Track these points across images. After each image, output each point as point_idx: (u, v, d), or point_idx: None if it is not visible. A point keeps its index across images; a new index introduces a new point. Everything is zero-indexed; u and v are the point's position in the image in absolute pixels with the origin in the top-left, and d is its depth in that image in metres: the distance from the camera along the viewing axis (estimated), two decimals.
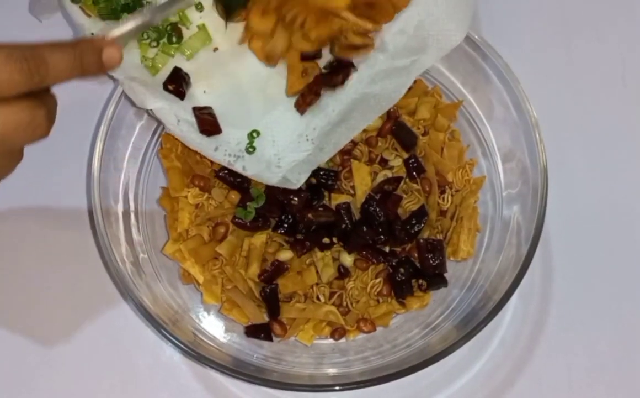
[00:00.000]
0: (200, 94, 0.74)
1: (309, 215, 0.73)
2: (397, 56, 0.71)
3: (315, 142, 0.72)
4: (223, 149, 0.73)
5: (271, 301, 0.73)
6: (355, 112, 0.72)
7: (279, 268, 0.73)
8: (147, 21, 0.64)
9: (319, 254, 0.74)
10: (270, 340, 0.73)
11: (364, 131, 0.76)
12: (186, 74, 0.74)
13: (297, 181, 0.72)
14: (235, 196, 0.75)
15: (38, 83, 0.51)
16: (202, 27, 0.75)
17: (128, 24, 0.62)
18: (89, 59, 0.55)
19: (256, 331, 0.73)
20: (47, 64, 0.51)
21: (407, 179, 0.76)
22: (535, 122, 0.73)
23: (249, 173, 0.73)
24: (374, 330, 0.75)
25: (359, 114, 0.72)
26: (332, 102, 0.72)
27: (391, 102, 0.72)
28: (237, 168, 0.73)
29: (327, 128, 0.72)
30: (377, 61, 0.71)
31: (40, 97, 0.52)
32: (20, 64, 0.49)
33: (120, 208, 0.74)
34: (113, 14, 0.74)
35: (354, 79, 0.71)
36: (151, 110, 0.73)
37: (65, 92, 0.80)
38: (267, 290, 0.73)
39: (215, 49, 0.75)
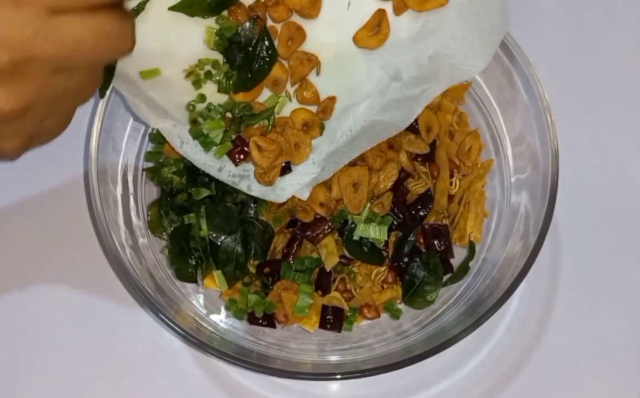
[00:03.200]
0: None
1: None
2: (409, 85, 0.68)
3: (320, 165, 0.70)
4: (227, 170, 0.71)
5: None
6: (362, 137, 0.69)
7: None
8: None
9: (323, 241, 0.72)
10: (273, 326, 0.72)
11: None
12: None
13: (301, 195, 0.71)
14: None
15: None
16: None
17: None
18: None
19: (258, 318, 0.72)
20: None
21: (416, 162, 0.74)
22: (547, 105, 0.70)
23: (254, 192, 0.71)
24: (378, 316, 0.74)
25: (365, 138, 0.69)
26: (341, 129, 0.70)
27: (398, 130, 0.69)
28: (242, 187, 0.71)
29: (332, 151, 0.70)
30: (389, 90, 0.68)
31: (125, 9, 0.49)
32: None
33: (119, 191, 0.72)
34: None
35: (365, 107, 0.69)
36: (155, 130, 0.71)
37: None
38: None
39: None
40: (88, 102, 0.76)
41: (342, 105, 0.69)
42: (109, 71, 0.66)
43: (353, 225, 0.71)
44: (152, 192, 0.75)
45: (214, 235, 0.71)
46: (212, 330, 0.70)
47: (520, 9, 0.83)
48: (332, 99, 0.69)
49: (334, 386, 0.74)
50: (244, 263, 0.71)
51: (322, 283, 0.73)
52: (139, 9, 0.67)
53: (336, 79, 0.69)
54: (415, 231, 0.72)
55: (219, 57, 0.70)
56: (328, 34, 0.69)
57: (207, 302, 0.73)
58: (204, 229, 0.71)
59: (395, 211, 0.72)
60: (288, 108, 0.71)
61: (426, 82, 0.68)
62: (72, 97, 0.49)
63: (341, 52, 0.69)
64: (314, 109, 0.71)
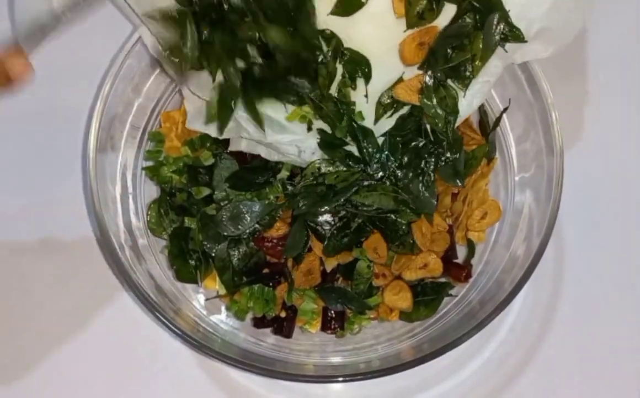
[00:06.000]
0: None
1: None
2: None
3: None
4: None
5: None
6: None
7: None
8: (55, 21, 0.60)
9: None
10: (280, 333, 0.71)
11: None
12: None
13: None
14: None
15: None
16: None
17: (34, 28, 0.58)
18: None
19: (265, 324, 0.72)
20: None
21: None
22: (552, 103, 0.69)
23: None
24: (379, 316, 0.73)
25: None
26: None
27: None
28: None
29: None
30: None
31: None
32: None
33: (118, 191, 0.71)
34: None
35: None
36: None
37: (61, 67, 0.79)
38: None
39: None
40: (85, 101, 0.77)
41: None
42: (225, 111, 0.67)
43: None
44: (151, 192, 0.74)
45: (208, 246, 0.70)
46: (212, 331, 0.69)
47: None
48: None
49: (336, 386, 0.73)
50: (240, 271, 0.70)
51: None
52: None
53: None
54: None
55: None
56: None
57: (207, 303, 0.72)
58: (197, 241, 0.70)
59: None
60: None
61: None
62: None
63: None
64: None
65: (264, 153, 0.71)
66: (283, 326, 0.71)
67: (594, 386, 0.73)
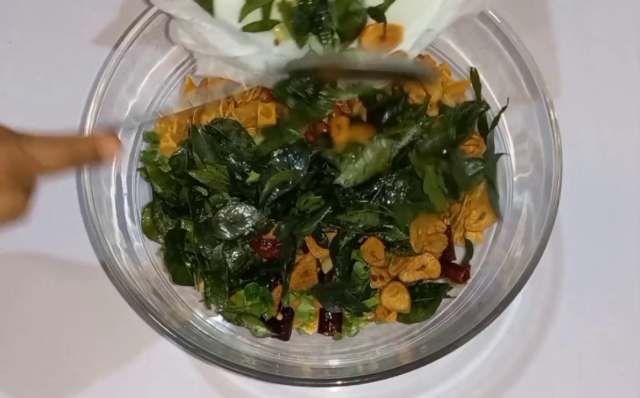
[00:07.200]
0: None
1: None
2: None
3: None
4: None
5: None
6: None
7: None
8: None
9: None
10: (278, 334, 0.70)
11: None
12: None
13: None
14: None
15: (25, 179, 0.53)
16: None
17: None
18: (84, 154, 0.56)
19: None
20: (37, 163, 0.53)
21: None
22: (550, 102, 0.69)
23: None
24: (376, 318, 0.72)
25: None
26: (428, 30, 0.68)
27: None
28: None
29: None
30: None
31: (23, 182, 0.53)
32: (8, 166, 0.51)
33: (112, 192, 0.71)
34: None
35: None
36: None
37: (54, 69, 0.79)
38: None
39: None
40: (79, 101, 0.76)
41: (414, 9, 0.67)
42: None
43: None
44: (146, 193, 0.74)
45: (204, 249, 0.69)
46: (208, 334, 0.69)
47: (522, 4, 0.82)
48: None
49: (334, 388, 0.72)
50: (236, 273, 0.69)
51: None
52: None
53: None
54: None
55: None
56: None
57: (204, 305, 0.72)
58: (193, 243, 0.69)
59: None
60: None
61: None
62: None
63: None
64: None
65: (231, 73, 0.70)
66: (280, 328, 0.70)
67: (592, 387, 0.73)
